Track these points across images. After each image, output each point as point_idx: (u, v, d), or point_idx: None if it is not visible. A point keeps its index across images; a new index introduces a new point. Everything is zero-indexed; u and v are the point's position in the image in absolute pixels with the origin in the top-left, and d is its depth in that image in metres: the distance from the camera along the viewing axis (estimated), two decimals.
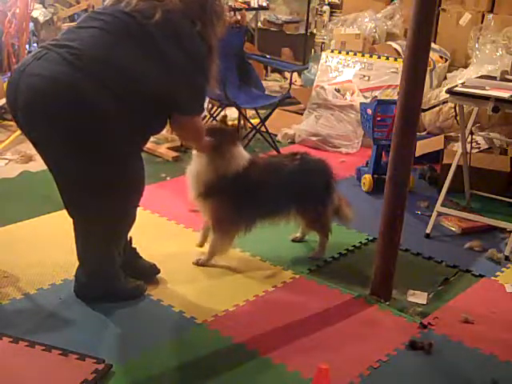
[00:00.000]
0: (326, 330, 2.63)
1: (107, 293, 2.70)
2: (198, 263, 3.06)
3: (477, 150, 4.35)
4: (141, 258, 2.92)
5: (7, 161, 4.26)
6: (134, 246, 2.90)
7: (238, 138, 3.08)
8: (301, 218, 3.18)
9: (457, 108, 3.84)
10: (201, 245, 3.18)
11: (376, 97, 5.10)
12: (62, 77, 2.24)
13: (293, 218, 3.16)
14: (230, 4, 6.04)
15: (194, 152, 2.99)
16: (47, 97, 2.24)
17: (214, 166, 2.88)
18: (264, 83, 5.20)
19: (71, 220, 2.58)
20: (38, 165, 3.79)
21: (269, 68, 7.00)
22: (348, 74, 5.40)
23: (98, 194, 2.43)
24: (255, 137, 4.67)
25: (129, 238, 2.84)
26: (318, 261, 3.17)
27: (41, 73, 2.25)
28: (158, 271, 2.91)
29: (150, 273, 2.90)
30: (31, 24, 5.61)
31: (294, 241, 3.37)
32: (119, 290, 2.72)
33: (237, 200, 2.95)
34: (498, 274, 3.19)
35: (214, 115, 4.66)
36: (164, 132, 4.85)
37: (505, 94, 3.19)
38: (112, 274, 2.69)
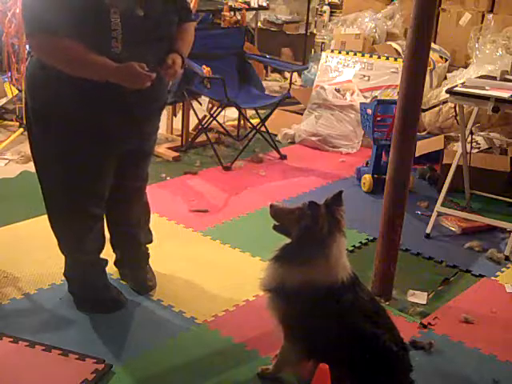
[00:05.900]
0: None
1: (83, 297, 2.67)
2: (263, 373, 2.31)
3: (477, 150, 4.35)
4: (143, 269, 2.85)
5: (7, 161, 4.26)
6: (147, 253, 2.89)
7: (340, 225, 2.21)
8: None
9: (457, 108, 3.84)
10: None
11: (376, 97, 5.10)
12: None
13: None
14: (230, 4, 6.03)
15: None
16: None
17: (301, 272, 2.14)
18: (264, 83, 5.20)
19: None
20: None
21: (269, 68, 6.99)
22: (348, 74, 5.40)
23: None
24: (255, 137, 4.68)
25: (143, 247, 2.85)
26: None
27: None
28: (143, 293, 2.79)
29: (138, 289, 2.81)
30: None
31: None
32: (94, 299, 2.67)
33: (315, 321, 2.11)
34: (497, 273, 3.19)
35: (214, 115, 4.65)
36: (164, 132, 4.88)
37: (505, 94, 3.19)
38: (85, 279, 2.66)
